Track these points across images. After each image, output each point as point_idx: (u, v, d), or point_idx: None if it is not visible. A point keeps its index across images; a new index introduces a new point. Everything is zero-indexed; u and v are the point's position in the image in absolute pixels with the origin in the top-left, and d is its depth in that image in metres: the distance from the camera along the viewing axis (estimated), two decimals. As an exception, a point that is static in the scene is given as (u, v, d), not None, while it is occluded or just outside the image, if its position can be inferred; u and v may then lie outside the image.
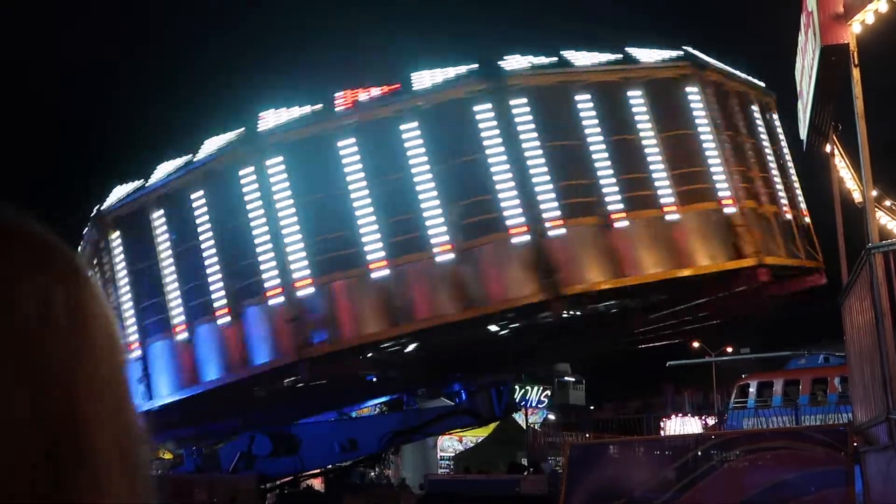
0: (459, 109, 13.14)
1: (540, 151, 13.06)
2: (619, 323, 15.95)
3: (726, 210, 13.49)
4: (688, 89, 13.88)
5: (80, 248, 15.50)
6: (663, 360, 39.96)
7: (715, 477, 13.32)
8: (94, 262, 14.93)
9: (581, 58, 13.82)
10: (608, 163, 13.22)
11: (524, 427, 35.49)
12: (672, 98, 13.88)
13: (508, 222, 12.84)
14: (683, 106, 13.82)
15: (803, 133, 13.43)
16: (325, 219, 13.27)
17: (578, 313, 14.77)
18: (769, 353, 36.47)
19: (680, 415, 38.84)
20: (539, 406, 46.46)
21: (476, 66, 13.61)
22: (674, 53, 14.27)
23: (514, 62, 13.66)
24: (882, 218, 14.44)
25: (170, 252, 14.59)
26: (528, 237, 12.82)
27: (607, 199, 13.11)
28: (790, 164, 15.56)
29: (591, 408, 53.49)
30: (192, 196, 14.33)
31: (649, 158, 13.38)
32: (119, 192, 15.46)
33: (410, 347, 14.81)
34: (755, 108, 15.04)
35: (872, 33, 10.15)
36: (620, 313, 15.48)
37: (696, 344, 43.76)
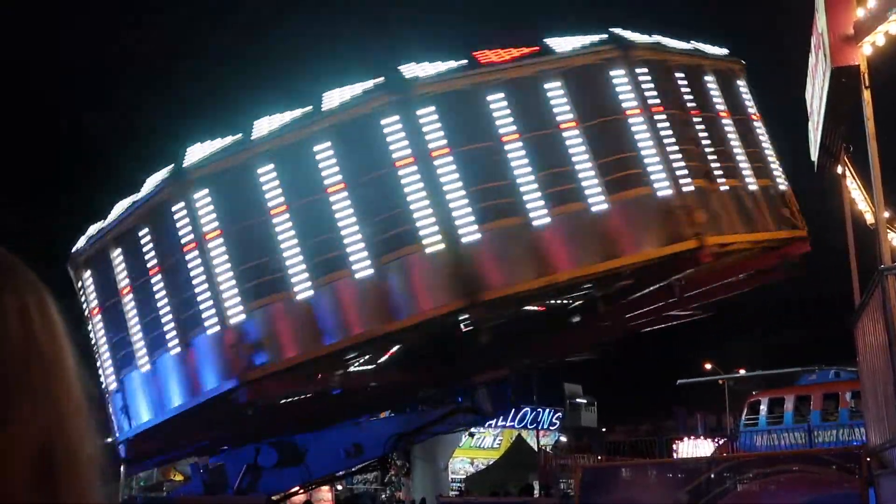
0: (368, 124, 13.08)
1: (451, 158, 12.83)
2: (590, 313, 15.68)
3: (660, 193, 13.09)
4: (612, 73, 13.45)
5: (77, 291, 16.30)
6: (675, 381, 39.78)
7: (728, 500, 13.22)
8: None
9: (492, 56, 13.46)
10: (525, 161, 12.90)
11: (536, 449, 35.34)
12: (595, 85, 13.50)
13: (422, 233, 12.74)
14: (608, 91, 13.41)
15: (814, 154, 13.42)
16: (251, 246, 13.52)
17: (540, 308, 14.77)
18: (780, 370, 36.25)
19: (692, 437, 38.60)
20: (551, 428, 46.24)
21: (381, 79, 13.43)
22: (596, 38, 13.81)
23: (418, 70, 13.34)
24: (895, 239, 14.38)
25: (128, 288, 15.22)
26: (442, 246, 12.69)
27: (526, 197, 12.79)
28: (762, 131, 15.04)
29: (604, 430, 53.21)
30: (140, 234, 14.87)
31: (571, 151, 13.03)
32: (89, 231, 16.21)
33: (385, 357, 15.06)
34: (710, 78, 14.54)
35: (883, 55, 10.17)
36: (586, 304, 15.29)
37: (708, 366, 43.56)
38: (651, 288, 14.81)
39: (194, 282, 13.77)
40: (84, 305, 16.25)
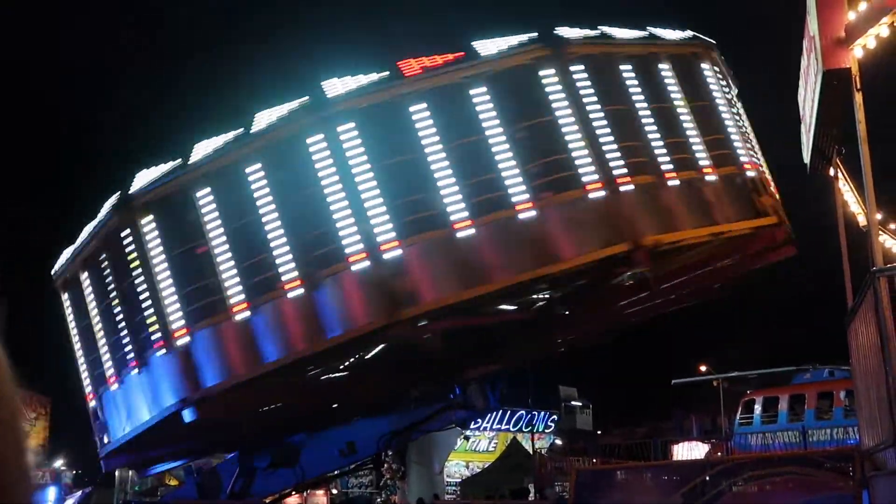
0: (294, 145, 13.12)
1: (371, 174, 12.73)
2: (570, 308, 15.61)
3: (593, 196, 12.76)
4: (542, 73, 13.13)
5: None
6: (670, 383, 39.83)
7: (723, 502, 13.23)
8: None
9: (416, 66, 13.23)
10: (449, 171, 12.69)
11: (531, 452, 35.32)
12: (525, 87, 13.19)
13: (348, 250, 12.72)
14: (538, 93, 13.11)
15: (807, 157, 13.45)
16: (193, 268, 13.80)
17: (512, 307, 14.77)
18: (774, 369, 36.28)
19: (689, 440, 38.61)
20: (546, 431, 46.23)
21: (307, 98, 13.38)
22: (525, 38, 13.40)
23: (340, 85, 13.24)
24: (887, 241, 14.42)
25: (95, 310, 15.69)
26: (367, 263, 12.64)
27: (450, 208, 12.61)
28: (727, 115, 14.38)
29: (599, 433, 53.19)
30: (100, 258, 15.20)
31: (498, 157, 12.76)
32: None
33: (354, 363, 15.15)
34: (664, 66, 14.00)
35: (874, 57, 10.20)
36: (554, 303, 15.24)
37: (703, 368, 43.58)
38: (611, 284, 14.70)
39: (143, 305, 14.06)
40: (69, 324, 16.78)
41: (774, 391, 29.82)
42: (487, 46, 13.28)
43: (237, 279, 13.33)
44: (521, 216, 12.60)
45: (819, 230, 15.65)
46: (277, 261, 13.04)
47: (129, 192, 14.27)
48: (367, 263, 12.59)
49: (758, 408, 28.76)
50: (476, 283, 12.63)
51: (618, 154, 13.10)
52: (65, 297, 16.76)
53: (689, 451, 35.40)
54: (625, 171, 13.04)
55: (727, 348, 53.43)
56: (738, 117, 14.71)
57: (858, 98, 10.04)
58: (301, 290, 12.92)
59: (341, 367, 15.33)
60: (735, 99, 14.95)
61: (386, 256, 12.56)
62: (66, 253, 16.44)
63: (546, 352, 19.08)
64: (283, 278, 12.98)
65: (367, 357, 14.84)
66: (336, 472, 19.78)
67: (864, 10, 10.05)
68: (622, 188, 12.95)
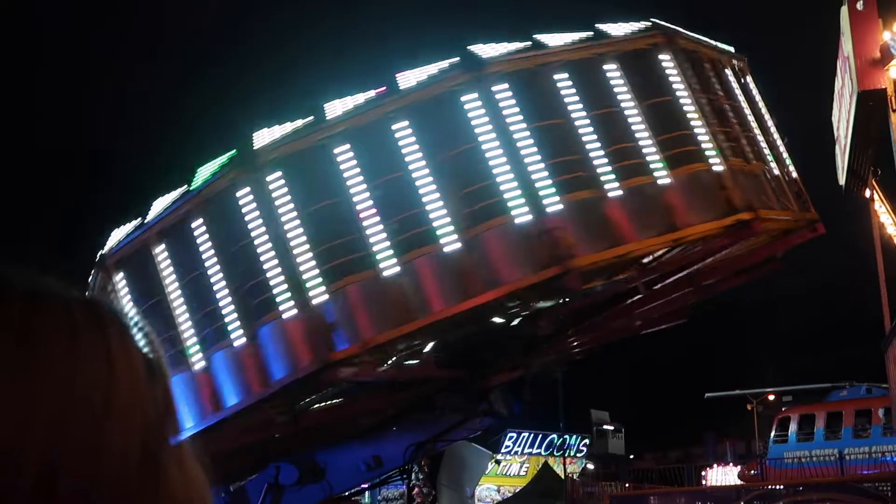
0: (226, 199, 13.32)
1: (298, 222, 12.77)
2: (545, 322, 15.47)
3: (519, 220, 12.42)
4: (464, 98, 13.04)
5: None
6: (704, 408, 39.42)
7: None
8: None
9: (338, 108, 13.29)
10: (374, 211, 12.58)
11: (562, 477, 35.07)
12: (447, 114, 13.01)
13: (278, 300, 12.89)
14: (460, 119, 12.83)
15: (842, 178, 13.31)
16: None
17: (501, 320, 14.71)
18: (810, 385, 35.75)
19: (722, 464, 38.14)
20: (578, 455, 45.89)
21: (234, 152, 13.58)
22: (446, 64, 13.26)
23: (267, 135, 13.32)
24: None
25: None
26: (294, 311, 12.75)
27: (376, 248, 12.52)
28: (691, 107, 13.74)
29: (631, 457, 52.74)
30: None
31: (422, 190, 12.60)
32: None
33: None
34: (611, 66, 13.50)
35: (910, 78, 10.09)
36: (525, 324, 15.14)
37: (736, 391, 43.14)
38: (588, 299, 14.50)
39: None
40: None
41: (811, 408, 29.28)
42: (408, 78, 13.17)
43: (192, 330, 13.76)
44: (447, 249, 12.44)
45: (855, 251, 15.45)
46: (224, 311, 13.45)
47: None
48: (294, 312, 12.77)
49: (793, 425, 28.28)
50: (411, 318, 12.57)
51: (545, 174, 12.73)
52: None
53: (724, 475, 34.97)
54: (553, 190, 12.66)
55: (762, 372, 52.88)
56: (723, 102, 14.08)
57: (894, 118, 9.94)
58: (243, 340, 13.25)
59: (324, 397, 15.47)
60: (730, 78, 14.50)
61: (315, 303, 12.68)
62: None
63: (563, 357, 18.91)
64: (230, 329, 13.30)
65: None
66: (365, 486, 19.78)
67: (900, 30, 9.95)
68: (549, 209, 12.54)
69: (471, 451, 20.84)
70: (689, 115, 13.40)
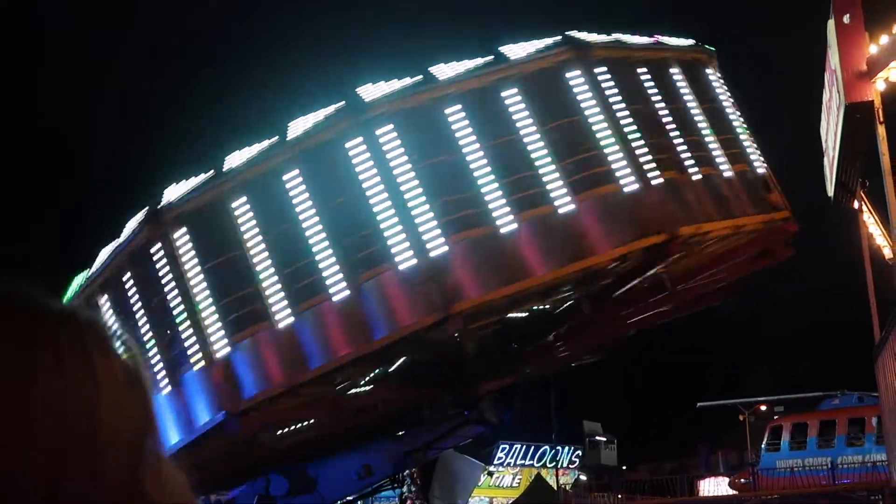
0: (332, 149, 13.39)
1: (413, 175, 12.96)
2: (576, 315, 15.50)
3: (627, 189, 12.96)
4: (569, 74, 13.30)
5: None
6: (697, 418, 39.41)
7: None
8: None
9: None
10: (487, 169, 12.90)
11: (555, 488, 35.01)
12: (552, 87, 13.34)
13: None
14: (565, 93, 13.24)
15: (830, 189, 13.41)
16: (231, 279, 13.90)
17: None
18: (801, 394, 35.72)
19: (714, 475, 38.12)
20: (570, 466, 45.82)
21: (342, 103, 13.65)
22: (550, 41, 13.58)
23: (371, 90, 13.48)
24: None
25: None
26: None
27: (491, 206, 12.80)
28: (734, 116, 14.32)
29: (624, 468, 52.65)
30: (124, 278, 15.04)
31: (533, 155, 12.94)
32: (76, 281, 15.90)
33: (384, 372, 15.20)
34: (675, 69, 14.17)
35: (897, 90, 10.18)
36: (572, 307, 15.13)
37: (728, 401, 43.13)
38: (631, 285, 14.58)
39: (178, 320, 13.98)
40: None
41: (803, 417, 29.22)
42: (515, 50, 13.58)
43: (279, 286, 13.40)
44: (560, 211, 12.76)
45: (844, 262, 15.57)
46: (320, 265, 13.14)
47: (159, 206, 14.27)
48: (413, 262, 12.74)
49: (786, 434, 28.24)
50: (518, 278, 12.79)
51: (646, 150, 13.30)
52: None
53: (716, 486, 34.96)
54: (654, 166, 13.24)
55: (753, 383, 52.93)
56: (741, 120, 15.02)
57: (881, 131, 10.03)
58: (347, 293, 13.00)
59: (364, 381, 15.38)
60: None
61: (432, 254, 12.74)
62: (79, 279, 16.25)
63: (558, 365, 19.01)
64: (327, 282, 13.09)
65: (389, 370, 14.92)
66: (356, 496, 19.72)
67: (886, 43, 10.06)
68: (653, 182, 13.12)
69: (463, 462, 20.79)
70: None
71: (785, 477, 26.13)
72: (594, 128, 13.17)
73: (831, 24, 10.74)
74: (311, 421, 16.01)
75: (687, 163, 13.61)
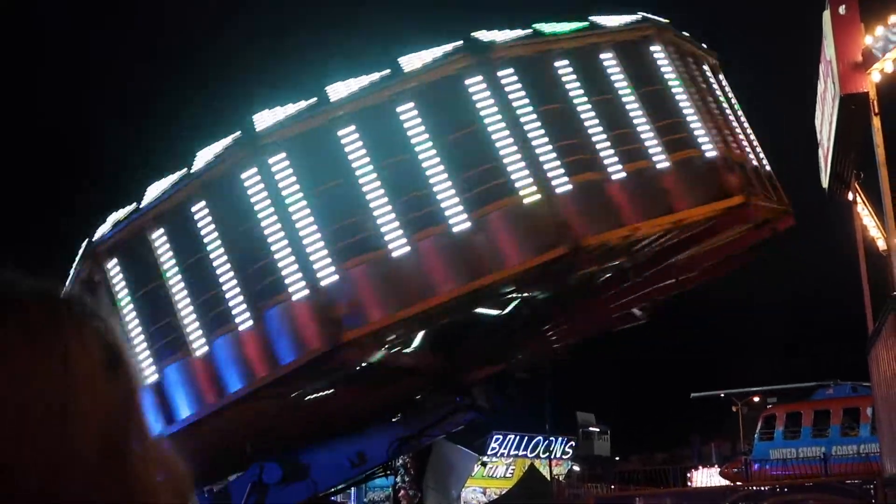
0: (230, 180, 13.44)
1: (305, 203, 12.91)
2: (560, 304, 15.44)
3: (527, 201, 12.56)
4: (469, 81, 12.98)
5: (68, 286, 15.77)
6: (690, 409, 39.53)
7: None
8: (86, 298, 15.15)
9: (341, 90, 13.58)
10: (381, 191, 12.69)
11: (548, 478, 35.12)
12: (451, 97, 13.09)
13: (287, 281, 12.97)
14: (465, 102, 12.92)
15: (825, 181, 13.40)
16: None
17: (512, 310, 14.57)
18: (795, 384, 35.77)
19: (708, 466, 38.25)
20: (564, 457, 45.94)
21: (238, 134, 13.66)
22: (450, 47, 13.22)
23: (266, 118, 13.35)
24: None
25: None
26: (305, 292, 12.82)
27: (384, 228, 12.62)
28: (683, 97, 13.69)
29: (617, 459, 52.81)
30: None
31: (429, 172, 12.63)
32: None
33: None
34: (607, 55, 13.63)
35: (892, 81, 10.17)
36: (521, 309, 15.02)
37: (722, 394, 43.27)
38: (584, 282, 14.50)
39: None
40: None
41: (797, 406, 29.20)
42: (412, 61, 13.15)
43: (193, 317, 13.67)
44: (455, 230, 12.48)
45: (839, 253, 15.54)
46: (227, 296, 13.28)
47: (93, 240, 14.59)
48: (306, 292, 12.73)
49: (780, 423, 28.24)
50: (419, 299, 12.58)
51: (553, 155, 12.79)
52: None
53: (709, 477, 35.08)
54: (561, 171, 12.72)
55: (746, 373, 53.10)
56: (706, 95, 14.14)
57: (876, 122, 10.01)
58: (250, 322, 13.15)
59: (323, 386, 15.35)
60: (709, 73, 14.59)
61: (324, 283, 12.68)
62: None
63: (547, 349, 18.80)
64: (233, 312, 13.24)
65: (351, 373, 14.85)
66: (350, 483, 19.76)
67: (882, 34, 10.04)
68: (559, 190, 12.65)
69: (457, 453, 20.78)
70: (681, 104, 13.44)
71: (778, 467, 26.20)
72: (493, 136, 12.72)
73: (827, 15, 10.73)
74: (275, 424, 16.02)
75: (608, 161, 12.92)
